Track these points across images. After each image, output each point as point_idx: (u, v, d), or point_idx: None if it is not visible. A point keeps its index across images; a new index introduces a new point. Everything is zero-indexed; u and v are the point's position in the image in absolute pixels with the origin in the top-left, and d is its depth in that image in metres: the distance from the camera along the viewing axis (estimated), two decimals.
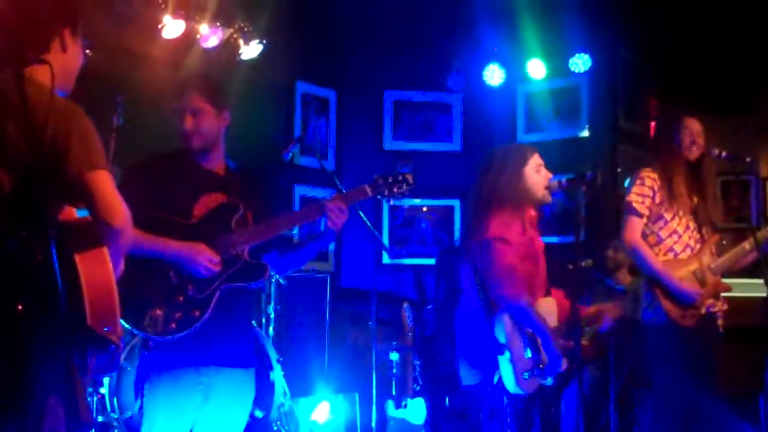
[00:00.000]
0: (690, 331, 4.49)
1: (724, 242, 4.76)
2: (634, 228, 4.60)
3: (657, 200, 4.63)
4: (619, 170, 7.08)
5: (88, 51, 3.05)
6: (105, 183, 2.71)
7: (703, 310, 4.51)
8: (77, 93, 2.94)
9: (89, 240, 2.71)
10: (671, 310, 4.50)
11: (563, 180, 4.21)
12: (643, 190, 4.64)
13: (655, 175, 4.67)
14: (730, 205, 7.50)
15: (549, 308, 4.21)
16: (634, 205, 4.61)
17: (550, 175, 4.29)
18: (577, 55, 7.24)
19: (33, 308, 2.54)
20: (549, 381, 4.13)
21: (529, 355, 4.09)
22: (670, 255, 4.63)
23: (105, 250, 2.71)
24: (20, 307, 2.52)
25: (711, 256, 4.65)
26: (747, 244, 4.64)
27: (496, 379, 4.09)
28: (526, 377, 4.04)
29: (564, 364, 4.12)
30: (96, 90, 2.99)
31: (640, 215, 4.61)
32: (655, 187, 4.64)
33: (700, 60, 7.08)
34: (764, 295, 4.50)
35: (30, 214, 2.62)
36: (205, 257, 3.56)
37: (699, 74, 7.10)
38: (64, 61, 2.90)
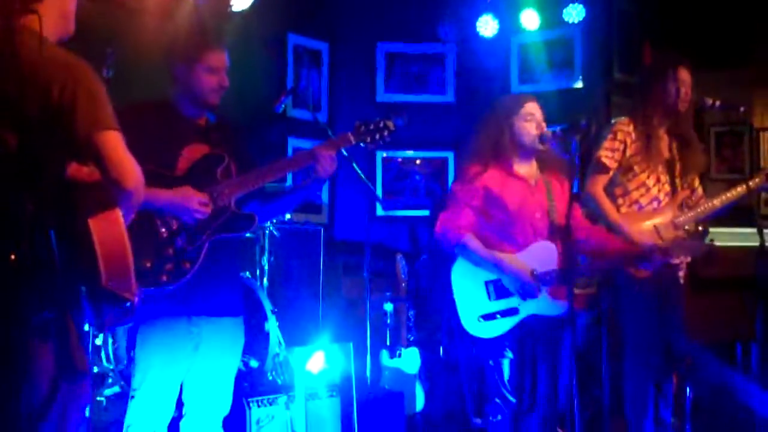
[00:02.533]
0: (646, 282, 4.54)
1: (697, 195, 4.79)
2: (596, 182, 4.67)
3: (629, 153, 4.67)
4: (612, 120, 7.06)
5: None
6: (115, 144, 2.69)
7: (660, 262, 4.56)
8: (66, 46, 2.90)
9: (102, 201, 2.70)
10: (627, 262, 4.56)
11: (557, 129, 4.21)
12: (614, 144, 4.68)
13: (629, 128, 4.70)
14: (723, 156, 7.50)
15: (540, 252, 4.22)
16: (602, 159, 4.68)
17: (544, 124, 4.29)
18: (570, 5, 7.19)
19: (27, 260, 2.55)
20: (524, 311, 4.15)
21: (484, 298, 4.16)
22: (635, 207, 4.68)
23: (118, 210, 2.71)
24: (13, 257, 2.53)
25: (678, 211, 4.68)
26: (717, 201, 4.68)
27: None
28: (481, 321, 4.11)
29: (558, 308, 4.16)
30: (85, 42, 2.94)
31: (606, 170, 4.67)
32: (628, 141, 4.67)
33: (694, 10, 7.03)
34: (756, 244, 4.51)
35: (38, 173, 2.61)
36: (195, 200, 3.57)
37: (693, 25, 7.06)
38: (60, 4, 2.85)
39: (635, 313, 4.63)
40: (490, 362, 4.23)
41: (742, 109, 4.90)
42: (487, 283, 4.19)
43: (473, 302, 4.17)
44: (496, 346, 4.22)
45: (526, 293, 4.14)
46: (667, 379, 4.68)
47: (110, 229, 2.68)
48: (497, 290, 4.19)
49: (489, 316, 4.16)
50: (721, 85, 6.71)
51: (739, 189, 4.67)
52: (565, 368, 4.29)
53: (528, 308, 4.16)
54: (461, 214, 4.22)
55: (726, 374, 5.18)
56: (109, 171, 2.67)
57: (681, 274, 4.74)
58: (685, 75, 4.69)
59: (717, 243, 4.75)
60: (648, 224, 4.63)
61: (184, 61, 3.74)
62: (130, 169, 2.70)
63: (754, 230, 4.63)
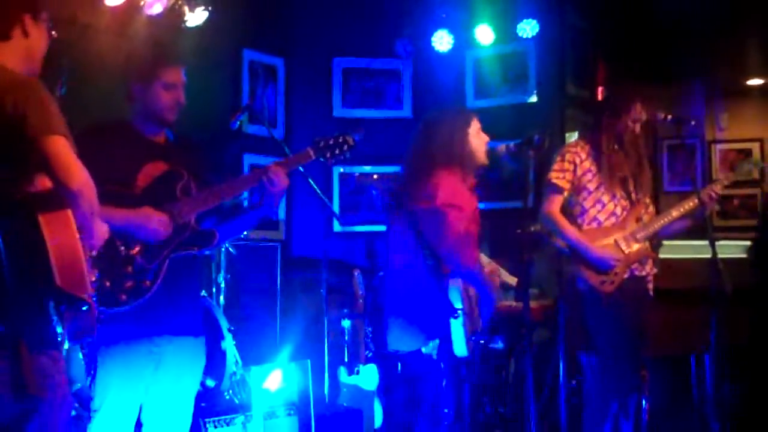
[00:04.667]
0: (613, 296, 4.61)
1: (650, 210, 4.86)
2: (552, 202, 4.78)
3: (579, 172, 4.75)
4: (566, 135, 7.13)
5: (53, 33, 3.10)
6: (61, 147, 2.76)
7: (625, 276, 4.62)
8: None
9: (53, 204, 2.77)
10: (590, 277, 4.70)
11: (511, 144, 4.24)
12: (563, 166, 4.79)
13: (578, 148, 4.79)
14: (676, 169, 7.60)
15: (492, 272, 4.27)
16: (554, 180, 4.79)
17: (488, 139, 4.32)
18: (524, 20, 7.25)
19: None
20: (498, 345, 4.20)
21: (476, 317, 4.17)
22: (594, 224, 4.76)
23: (68, 212, 2.77)
24: None
25: (637, 224, 4.76)
26: (674, 212, 4.79)
27: (431, 345, 4.14)
28: (473, 339, 4.11)
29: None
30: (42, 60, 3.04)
31: (560, 190, 4.76)
32: (577, 161, 4.76)
33: (645, 25, 7.13)
34: (709, 256, 4.59)
35: None
36: (155, 220, 3.55)
37: (644, 39, 7.15)
38: (27, 46, 2.98)
39: (605, 330, 4.69)
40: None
41: (692, 122, 4.98)
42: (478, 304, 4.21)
43: (472, 322, 4.18)
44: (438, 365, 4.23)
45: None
46: (632, 392, 4.73)
47: (61, 230, 2.75)
48: (481, 311, 4.21)
49: (482, 335, 4.17)
50: (673, 98, 6.82)
51: (693, 200, 4.76)
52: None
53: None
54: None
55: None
56: (55, 172, 2.74)
57: (650, 286, 4.80)
58: (639, 111, 4.78)
59: (671, 255, 4.82)
60: (609, 240, 4.71)
61: (141, 79, 3.73)
62: (75, 170, 2.76)
63: (706, 242, 4.71)
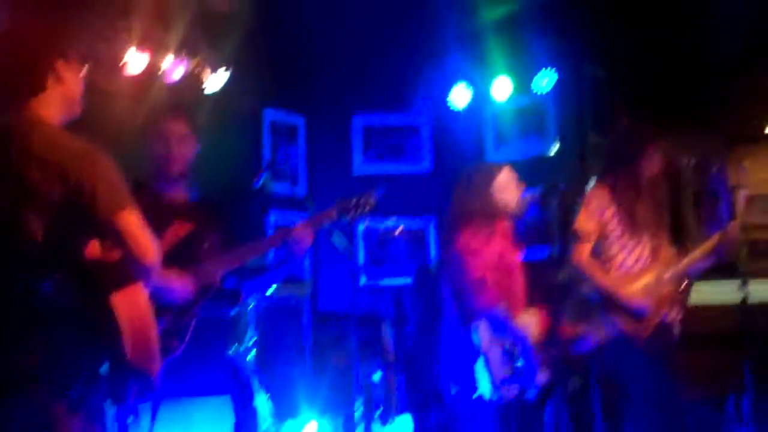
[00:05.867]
0: (646, 344, 4.55)
1: (675, 252, 4.82)
2: (581, 251, 4.71)
3: (605, 218, 4.71)
4: (588, 183, 7.10)
5: (85, 69, 3.06)
6: (134, 221, 2.77)
7: (657, 320, 4.58)
8: None
9: (122, 277, 2.77)
10: (625, 324, 4.58)
11: (536, 192, 4.26)
12: (588, 213, 4.72)
13: (602, 192, 4.75)
14: (700, 216, 7.55)
15: (531, 320, 4.23)
16: (580, 228, 4.70)
17: (521, 189, 4.34)
18: (542, 70, 7.28)
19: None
20: (531, 393, 4.15)
21: (506, 361, 4.12)
22: (622, 270, 4.71)
23: (140, 286, 2.78)
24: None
25: (664, 267, 4.71)
26: (697, 252, 4.73)
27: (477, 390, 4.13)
28: (503, 384, 4.08)
29: (544, 376, 4.15)
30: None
31: (587, 237, 4.69)
32: (603, 206, 4.72)
33: (664, 72, 7.14)
34: (739, 298, 4.56)
35: (61, 257, 2.65)
36: (178, 283, 3.55)
37: (664, 86, 7.16)
38: (63, 92, 2.92)
39: (641, 379, 4.61)
40: None
41: (715, 168, 4.97)
42: (503, 350, 4.17)
43: (498, 367, 4.15)
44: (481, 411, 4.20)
45: (530, 361, 4.15)
46: None
47: (133, 304, 2.74)
48: (511, 356, 4.17)
49: (510, 380, 4.13)
50: (693, 146, 6.80)
51: (716, 237, 4.71)
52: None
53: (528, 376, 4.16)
54: (492, 276, 4.24)
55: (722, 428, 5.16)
56: (130, 249, 2.74)
57: (675, 330, 4.75)
58: (653, 152, 4.77)
59: (702, 300, 4.77)
60: (638, 285, 4.66)
61: (147, 136, 3.78)
62: (150, 246, 2.78)
63: (736, 285, 4.67)
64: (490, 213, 4.34)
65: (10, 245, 2.66)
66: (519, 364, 4.16)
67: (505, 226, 4.38)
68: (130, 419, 2.91)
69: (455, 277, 4.27)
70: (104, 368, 2.68)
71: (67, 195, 2.68)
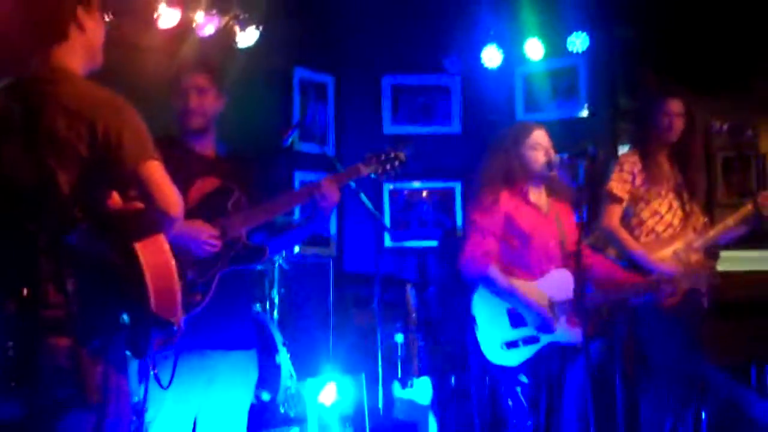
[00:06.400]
0: (674, 310, 4.53)
1: (706, 220, 4.79)
2: (612, 214, 4.70)
3: (637, 183, 4.70)
4: (619, 147, 7.07)
5: (108, 16, 3.02)
6: (159, 173, 2.78)
7: (686, 288, 4.55)
8: None
9: (146, 228, 2.78)
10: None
11: (565, 156, 4.24)
12: (622, 176, 4.73)
13: (635, 158, 4.74)
14: (731, 181, 7.48)
15: (556, 281, 4.23)
16: (613, 191, 4.72)
17: (552, 151, 4.31)
18: (574, 33, 7.21)
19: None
20: (546, 353, 4.15)
21: (506, 326, 4.14)
22: (652, 236, 4.71)
23: (162, 237, 2.80)
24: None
25: (694, 234, 4.68)
26: (730, 220, 4.71)
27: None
28: (504, 349, 4.10)
29: (570, 335, 4.15)
30: (90, 80, 2.99)
31: (619, 201, 4.70)
32: (635, 170, 4.71)
33: (697, 36, 7.05)
34: None
35: (87, 208, 2.68)
36: (206, 233, 3.57)
37: (697, 51, 7.07)
38: (85, 41, 2.91)
39: (662, 344, 4.62)
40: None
41: (749, 132, 4.92)
42: (509, 311, 4.18)
43: (496, 330, 4.17)
44: (509, 373, 4.22)
45: (542, 328, 4.15)
46: (688, 406, 4.66)
47: (157, 255, 2.76)
48: (518, 318, 4.18)
49: (512, 344, 4.15)
50: (726, 110, 6.73)
51: (748, 206, 4.67)
52: (579, 395, 4.28)
53: (549, 336, 4.16)
54: (484, 243, 4.22)
55: (743, 396, 5.16)
56: (155, 200, 2.76)
57: (704, 299, 4.72)
58: (674, 106, 4.74)
59: (731, 268, 4.74)
60: (668, 251, 4.65)
61: (171, 89, 3.78)
62: (174, 197, 2.80)
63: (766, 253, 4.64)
64: (512, 173, 4.33)
65: (37, 197, 2.69)
66: (528, 326, 4.17)
67: (524, 187, 4.35)
68: (151, 370, 2.94)
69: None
70: (127, 318, 2.71)
71: (94, 146, 2.69)
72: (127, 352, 2.85)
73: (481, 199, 4.33)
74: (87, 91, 2.78)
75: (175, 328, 2.76)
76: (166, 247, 2.80)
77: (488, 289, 4.19)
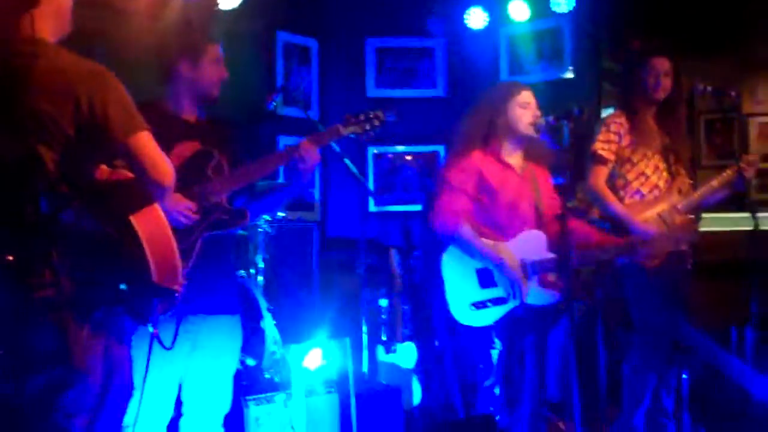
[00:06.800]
0: (657, 270, 4.56)
1: (692, 182, 4.81)
2: (598, 175, 4.69)
3: (624, 143, 4.70)
4: (603, 109, 7.06)
5: None
6: (149, 144, 2.79)
7: (669, 249, 4.57)
8: None
9: (140, 199, 2.78)
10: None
11: (550, 118, 4.24)
12: (608, 137, 4.71)
13: (621, 119, 4.74)
14: (714, 143, 7.50)
15: (530, 242, 4.24)
16: (599, 152, 4.70)
17: (538, 112, 4.31)
18: None
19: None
20: (520, 312, 4.17)
21: (475, 286, 4.16)
22: (637, 197, 4.71)
23: (157, 206, 2.80)
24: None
25: (679, 196, 4.70)
26: (715, 182, 4.71)
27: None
28: (473, 309, 4.11)
29: (550, 296, 4.17)
30: (73, 45, 2.95)
31: (605, 162, 4.69)
32: (622, 131, 4.70)
33: None
34: (750, 228, 4.55)
35: (77, 184, 2.66)
36: (182, 206, 3.56)
37: (681, 13, 7.06)
38: (55, 7, 2.87)
39: (645, 305, 4.64)
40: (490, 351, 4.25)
41: (732, 93, 4.92)
42: (478, 271, 4.19)
43: (464, 290, 4.18)
44: (484, 336, 4.24)
45: (512, 289, 4.15)
46: (670, 367, 4.70)
47: (154, 225, 2.77)
48: (488, 278, 4.19)
49: (480, 304, 4.16)
50: (710, 71, 6.72)
51: (732, 169, 4.68)
52: (560, 357, 4.30)
53: (519, 297, 4.17)
54: (457, 201, 4.22)
55: (722, 358, 5.20)
56: (147, 171, 2.77)
57: (689, 259, 4.75)
58: (660, 64, 4.72)
59: (711, 228, 4.76)
60: (652, 212, 4.66)
61: (190, 56, 3.75)
62: (166, 167, 2.82)
63: (746, 215, 4.66)
64: (492, 131, 4.33)
65: (25, 178, 2.67)
66: (497, 287, 4.18)
67: (498, 147, 4.35)
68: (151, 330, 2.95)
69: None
70: (125, 287, 2.71)
71: (80, 121, 2.68)
72: (129, 320, 2.86)
73: (456, 156, 4.33)
74: (67, 64, 2.74)
75: (177, 294, 2.78)
76: (162, 215, 2.81)
77: (459, 248, 4.20)
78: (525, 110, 4.31)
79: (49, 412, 2.69)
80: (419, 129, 7.47)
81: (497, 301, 4.16)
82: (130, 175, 2.81)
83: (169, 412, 3.72)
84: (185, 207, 3.56)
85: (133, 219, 2.71)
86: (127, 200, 2.76)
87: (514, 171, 4.34)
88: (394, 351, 5.84)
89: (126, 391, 2.89)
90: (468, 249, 4.18)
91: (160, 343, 2.93)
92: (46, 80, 2.68)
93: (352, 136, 3.90)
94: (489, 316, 4.17)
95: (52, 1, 2.85)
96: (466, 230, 4.16)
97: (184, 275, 3.53)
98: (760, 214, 4.69)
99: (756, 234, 4.55)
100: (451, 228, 4.17)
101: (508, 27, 7.66)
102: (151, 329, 2.87)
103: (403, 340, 5.94)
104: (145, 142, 2.76)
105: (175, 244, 2.82)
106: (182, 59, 3.76)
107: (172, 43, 3.86)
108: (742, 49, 7.24)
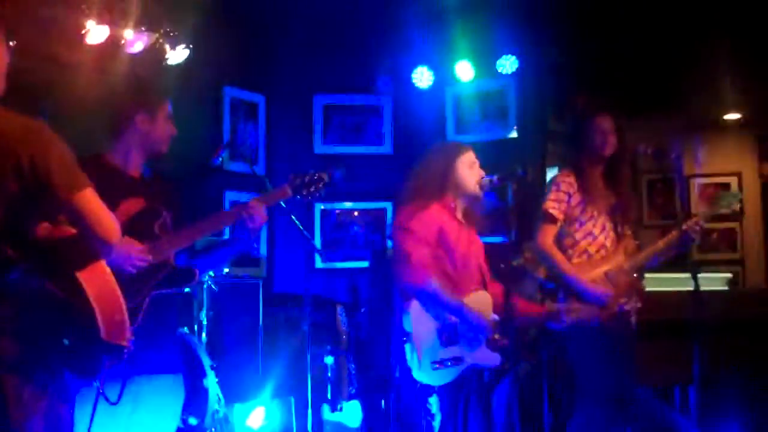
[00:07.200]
0: (602, 330, 4.58)
1: (638, 242, 4.86)
2: (546, 233, 4.71)
3: (573, 203, 4.73)
4: (547, 170, 7.15)
5: (11, 43, 2.99)
6: (94, 202, 2.75)
7: (615, 310, 4.61)
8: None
9: (86, 256, 2.76)
10: (583, 312, 4.59)
11: (494, 177, 4.27)
12: (558, 195, 4.74)
13: (571, 178, 4.77)
14: (656, 203, 7.63)
15: (482, 301, 4.23)
16: (550, 211, 4.72)
17: (483, 173, 4.34)
18: (504, 56, 7.31)
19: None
20: (475, 374, 4.15)
21: (436, 344, 4.13)
22: (584, 257, 4.73)
23: (103, 262, 2.79)
24: None
25: (625, 256, 4.74)
26: (661, 243, 4.76)
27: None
28: (435, 367, 4.08)
29: (495, 358, 4.16)
30: (18, 99, 2.92)
31: (554, 221, 4.71)
32: (571, 191, 4.74)
33: (626, 59, 7.18)
34: (691, 288, 4.60)
35: (21, 241, 2.62)
36: (136, 250, 3.52)
37: (623, 75, 7.21)
38: None
39: (589, 364, 4.64)
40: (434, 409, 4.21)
41: (672, 155, 5.00)
42: (438, 330, 4.17)
43: (427, 349, 4.14)
44: (423, 392, 4.21)
45: (474, 343, 4.14)
46: (615, 428, 4.69)
47: (101, 281, 2.75)
48: (449, 336, 4.16)
49: (441, 363, 4.13)
50: (651, 133, 6.86)
51: (677, 231, 4.74)
52: (504, 416, 4.29)
53: (471, 358, 4.16)
54: (424, 253, 4.19)
55: (668, 418, 5.23)
56: (92, 229, 2.73)
57: (632, 319, 4.78)
58: (604, 122, 4.78)
59: (654, 288, 4.81)
60: (599, 272, 4.68)
61: (147, 110, 3.74)
62: (112, 224, 2.78)
63: (687, 275, 4.71)
64: (445, 187, 4.34)
65: None
66: (458, 344, 4.16)
67: (453, 203, 4.37)
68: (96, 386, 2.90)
69: (395, 256, 4.28)
70: (68, 342, 2.66)
71: (22, 181, 2.64)
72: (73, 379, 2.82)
73: (415, 208, 4.30)
74: (6, 123, 2.71)
75: (125, 350, 2.74)
76: (108, 271, 2.79)
77: (425, 301, 4.15)
78: (471, 170, 4.35)
79: None
80: (366, 186, 7.49)
81: (456, 361, 4.14)
82: (74, 231, 2.78)
83: None
84: (138, 250, 3.53)
85: (79, 276, 2.68)
86: (72, 257, 2.74)
87: (464, 228, 4.36)
88: (340, 409, 5.79)
89: None
90: (436, 302, 4.13)
91: (105, 398, 2.89)
92: None
93: (298, 197, 3.92)
94: (446, 375, 4.14)
95: None
96: (436, 283, 4.14)
97: (132, 332, 3.50)
98: (701, 275, 4.74)
99: (698, 294, 4.59)
100: (423, 281, 4.13)
101: (454, 86, 7.76)
102: (96, 384, 2.82)
103: (349, 399, 5.88)
104: (89, 198, 2.73)
105: (122, 300, 2.79)
106: (139, 112, 3.75)
107: (130, 96, 3.86)
108: (682, 110, 7.41)
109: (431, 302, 4.14)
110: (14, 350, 2.60)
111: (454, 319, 4.12)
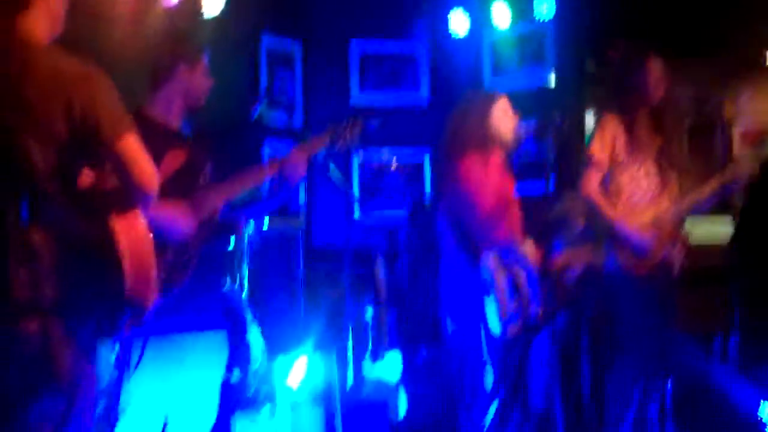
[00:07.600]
0: (646, 279, 4.54)
1: (685, 188, 4.80)
2: (591, 179, 4.64)
3: (618, 147, 4.65)
4: (588, 114, 7.07)
5: None
6: (136, 147, 2.76)
7: (660, 256, 4.56)
8: None
9: (122, 204, 2.76)
10: (627, 259, 4.55)
11: (532, 125, 4.24)
12: (604, 140, 4.65)
13: (616, 123, 4.68)
14: (697, 149, 7.52)
15: (529, 252, 4.24)
16: (594, 155, 4.64)
17: (517, 120, 4.31)
18: None
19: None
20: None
21: (512, 296, 4.14)
22: (629, 203, 4.67)
23: (139, 213, 2.78)
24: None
25: (670, 203, 4.68)
26: (707, 188, 4.68)
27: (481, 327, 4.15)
28: (510, 320, 4.09)
29: (536, 309, 4.18)
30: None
31: (599, 166, 4.63)
32: (617, 134, 4.65)
33: (665, 2, 7.05)
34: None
35: (63, 185, 2.65)
36: (183, 217, 3.55)
37: (666, 15, 7.07)
38: (49, 7, 2.86)
39: (631, 314, 4.62)
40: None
41: (715, 99, 4.92)
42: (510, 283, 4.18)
43: (504, 303, 4.15)
44: (473, 345, 4.23)
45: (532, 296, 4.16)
46: (655, 378, 4.69)
47: (133, 232, 2.75)
48: (514, 290, 4.18)
49: (512, 316, 4.14)
50: (695, 75, 6.75)
51: (720, 177, 4.66)
52: (544, 368, 4.31)
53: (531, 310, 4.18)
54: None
55: (708, 367, 5.22)
56: (130, 174, 2.74)
57: (676, 267, 4.73)
58: (655, 66, 4.70)
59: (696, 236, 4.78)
60: (644, 218, 4.62)
61: (188, 60, 3.75)
62: (150, 172, 2.78)
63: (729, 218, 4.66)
64: (486, 143, 4.32)
65: (12, 174, 2.65)
66: (524, 297, 4.17)
67: (500, 157, 4.35)
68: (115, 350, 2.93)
69: (457, 209, 4.25)
70: (100, 298, 2.69)
71: (72, 122, 2.67)
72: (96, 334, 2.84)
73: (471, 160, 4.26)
74: (61, 65, 2.73)
75: (146, 310, 2.76)
76: (143, 223, 2.78)
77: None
78: (506, 119, 4.32)
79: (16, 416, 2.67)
80: (403, 135, 7.46)
81: (519, 313, 4.16)
82: (115, 182, 2.79)
83: (158, 427, 3.71)
84: (184, 217, 3.55)
85: (114, 225, 2.69)
86: (110, 205, 2.74)
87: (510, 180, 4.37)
88: (381, 360, 5.82)
89: (89, 407, 2.86)
90: (515, 255, 4.17)
91: (127, 363, 2.92)
92: (42, 81, 2.67)
93: (337, 146, 3.92)
94: (517, 327, 4.16)
95: (44, 2, 2.83)
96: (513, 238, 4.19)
97: (176, 291, 3.54)
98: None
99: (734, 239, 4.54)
100: (507, 236, 4.16)
101: (491, 32, 7.65)
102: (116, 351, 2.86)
103: (389, 349, 5.92)
104: (132, 145, 2.74)
105: (153, 257, 2.78)
106: (179, 63, 3.76)
107: (169, 47, 3.86)
108: (726, 53, 7.26)
109: (509, 255, 4.13)
110: (42, 293, 2.62)
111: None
